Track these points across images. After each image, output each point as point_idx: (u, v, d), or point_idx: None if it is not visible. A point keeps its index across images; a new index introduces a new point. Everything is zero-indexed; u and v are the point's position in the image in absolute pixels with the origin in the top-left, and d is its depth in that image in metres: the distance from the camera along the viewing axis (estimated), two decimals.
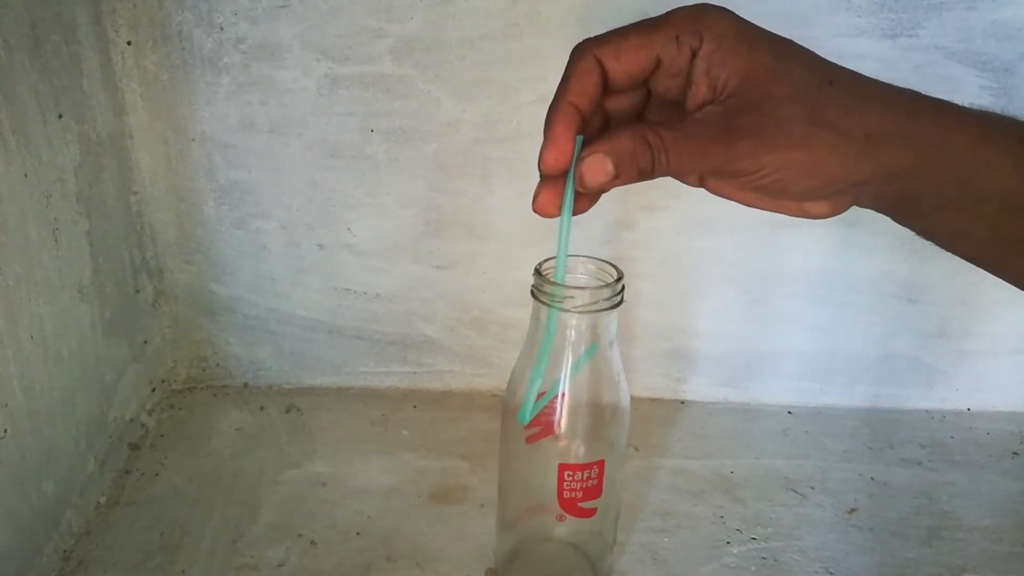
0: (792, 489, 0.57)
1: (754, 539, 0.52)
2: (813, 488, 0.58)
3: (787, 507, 0.56)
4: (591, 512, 0.43)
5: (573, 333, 0.40)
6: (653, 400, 0.67)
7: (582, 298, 0.39)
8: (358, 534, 0.51)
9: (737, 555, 0.51)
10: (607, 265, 0.41)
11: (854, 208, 0.58)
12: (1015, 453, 0.63)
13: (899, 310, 0.63)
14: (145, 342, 0.60)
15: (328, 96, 0.54)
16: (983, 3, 0.52)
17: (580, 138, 0.34)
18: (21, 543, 0.43)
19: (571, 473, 0.42)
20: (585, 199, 0.38)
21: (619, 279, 0.40)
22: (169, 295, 0.61)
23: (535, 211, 0.36)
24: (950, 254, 0.61)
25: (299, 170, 0.57)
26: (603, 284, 0.40)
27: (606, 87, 0.34)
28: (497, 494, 0.47)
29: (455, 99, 0.55)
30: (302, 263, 0.60)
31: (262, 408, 0.63)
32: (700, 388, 0.67)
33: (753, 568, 0.50)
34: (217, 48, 0.53)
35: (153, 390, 0.62)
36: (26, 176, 0.43)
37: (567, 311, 0.39)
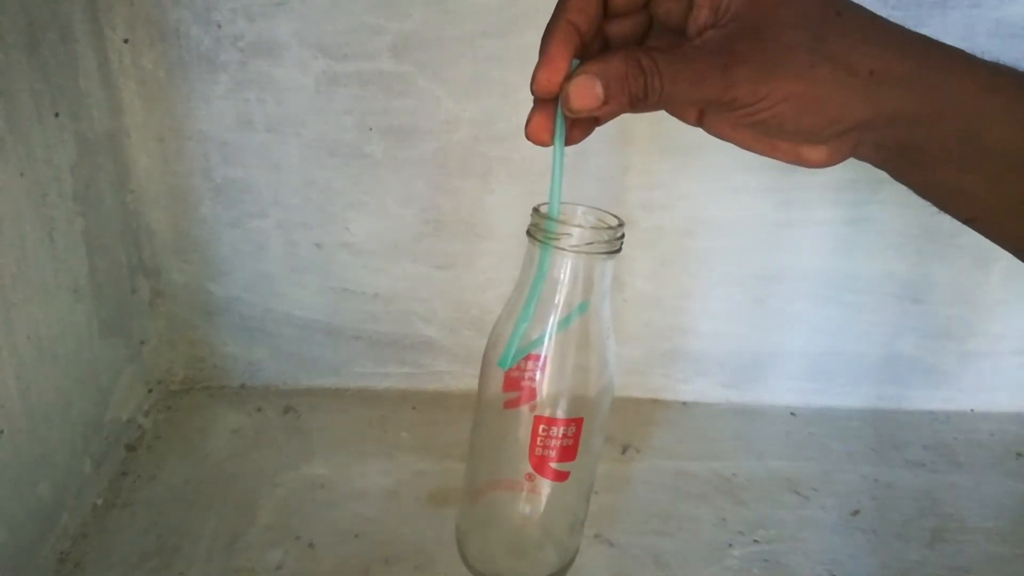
0: (795, 491, 0.57)
1: (756, 541, 0.52)
2: (816, 490, 0.57)
3: (790, 509, 0.55)
4: (562, 476, 0.41)
5: (566, 279, 0.38)
6: (655, 401, 0.66)
7: (578, 237, 0.37)
8: (356, 536, 0.50)
9: (739, 558, 0.51)
10: (608, 215, 0.39)
11: (857, 207, 0.59)
12: (1019, 454, 0.63)
13: (903, 310, 0.63)
14: (142, 342, 0.60)
15: (326, 94, 0.54)
16: (987, 1, 0.52)
17: (576, 62, 0.32)
18: (17, 545, 0.43)
19: (546, 428, 0.40)
20: (579, 128, 0.36)
21: (620, 224, 0.38)
22: (166, 295, 0.61)
23: (527, 137, 0.35)
24: (953, 254, 0.61)
25: (297, 169, 0.56)
26: (602, 226, 0.38)
27: (607, 9, 0.33)
28: (467, 460, 0.45)
29: (455, 97, 0.55)
30: (300, 263, 0.60)
31: (259, 409, 0.63)
32: (702, 389, 0.67)
33: (755, 571, 0.50)
34: (214, 46, 0.52)
35: (150, 391, 0.61)
36: (22, 175, 0.43)
37: (561, 250, 0.37)
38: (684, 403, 0.67)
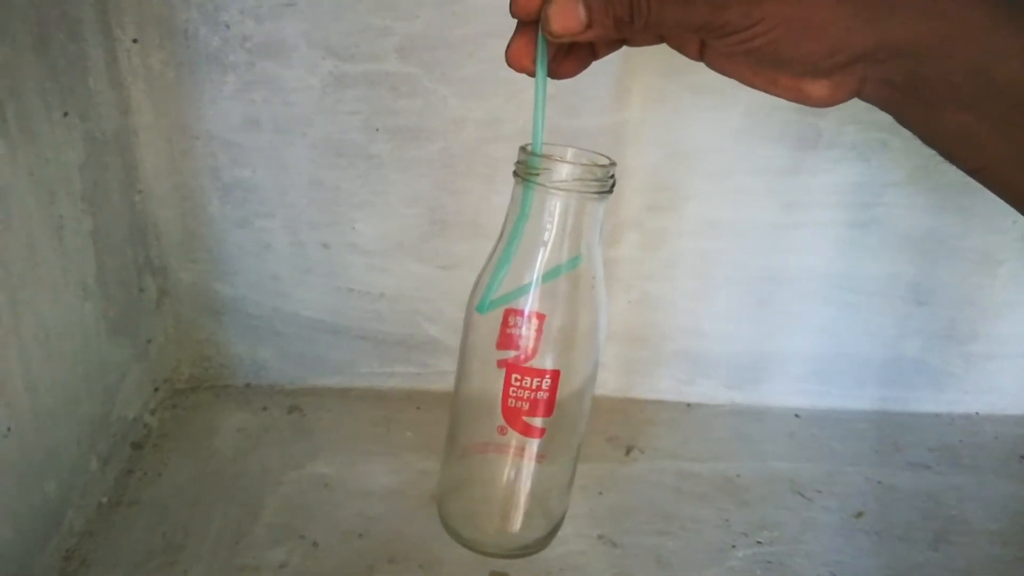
0: (798, 493, 0.57)
1: (759, 543, 0.52)
2: (820, 492, 0.57)
3: (793, 511, 0.55)
4: (536, 431, 0.39)
5: (554, 222, 0.36)
6: (659, 402, 0.66)
7: (565, 174, 0.35)
8: (360, 536, 0.50)
9: (742, 559, 0.51)
10: (601, 156, 0.37)
11: (862, 209, 0.59)
12: (1023, 457, 0.63)
13: (907, 312, 0.63)
14: (149, 341, 0.60)
15: (333, 95, 0.54)
16: None
17: None
18: (23, 543, 0.43)
19: (519, 378, 0.38)
20: (572, 60, 0.35)
21: (611, 164, 0.36)
22: (173, 294, 0.61)
23: (508, 63, 0.33)
24: (960, 256, 0.61)
25: (304, 169, 0.57)
26: (589, 163, 0.36)
27: None
28: (448, 418, 0.43)
29: (461, 97, 0.55)
30: (306, 262, 0.60)
31: (265, 408, 0.63)
32: (706, 390, 0.67)
33: (758, 572, 0.50)
34: (223, 46, 0.52)
35: (156, 390, 0.62)
36: (31, 174, 0.43)
37: (545, 187, 0.35)
38: (688, 404, 0.67)
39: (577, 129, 0.55)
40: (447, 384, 0.65)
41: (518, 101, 0.55)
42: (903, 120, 0.33)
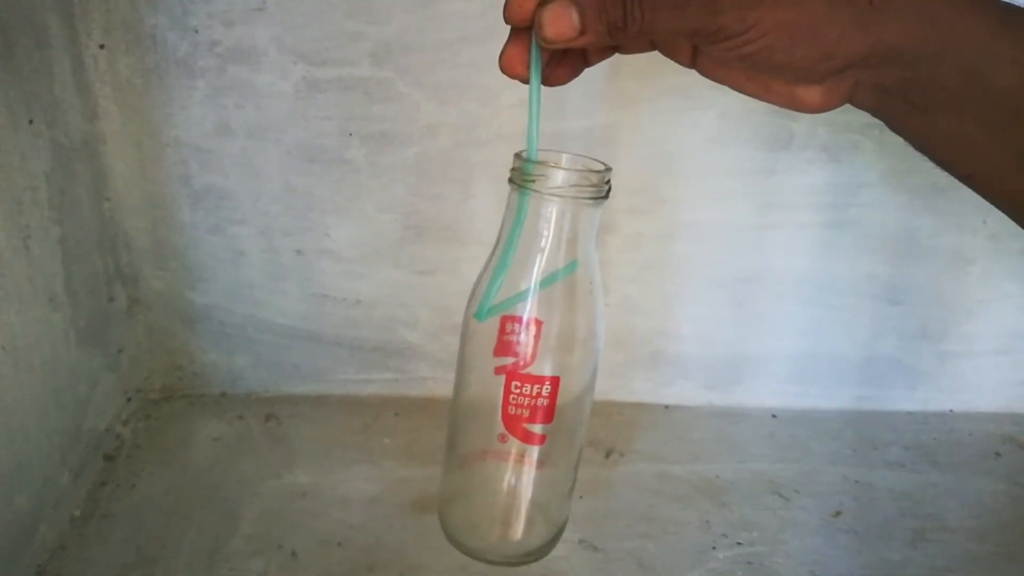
0: (777, 493, 0.57)
1: (740, 544, 0.52)
2: (798, 491, 0.57)
3: (772, 511, 0.55)
4: (537, 438, 0.39)
5: (551, 229, 0.36)
6: (638, 405, 0.66)
7: (560, 180, 0.35)
8: (340, 545, 0.50)
9: (723, 560, 0.51)
10: (595, 161, 0.37)
11: (837, 210, 0.59)
12: (997, 454, 0.63)
13: (882, 312, 0.64)
14: (120, 351, 0.59)
15: (306, 100, 0.54)
16: None
17: None
18: None
19: (519, 385, 0.38)
20: (564, 67, 0.35)
21: (606, 169, 0.36)
22: (144, 303, 0.60)
23: (501, 70, 0.33)
24: (931, 256, 0.61)
25: (277, 175, 0.56)
26: (584, 169, 0.36)
27: None
28: (447, 426, 0.43)
29: (435, 102, 0.54)
30: (280, 269, 0.60)
31: (240, 417, 0.62)
32: (684, 392, 0.67)
33: (739, 573, 0.50)
34: (192, 51, 0.52)
35: (128, 400, 0.61)
36: None
37: (539, 193, 0.35)
38: (667, 406, 0.67)
39: (554, 133, 0.55)
40: (425, 390, 0.65)
41: (493, 106, 0.55)
42: (894, 126, 0.33)
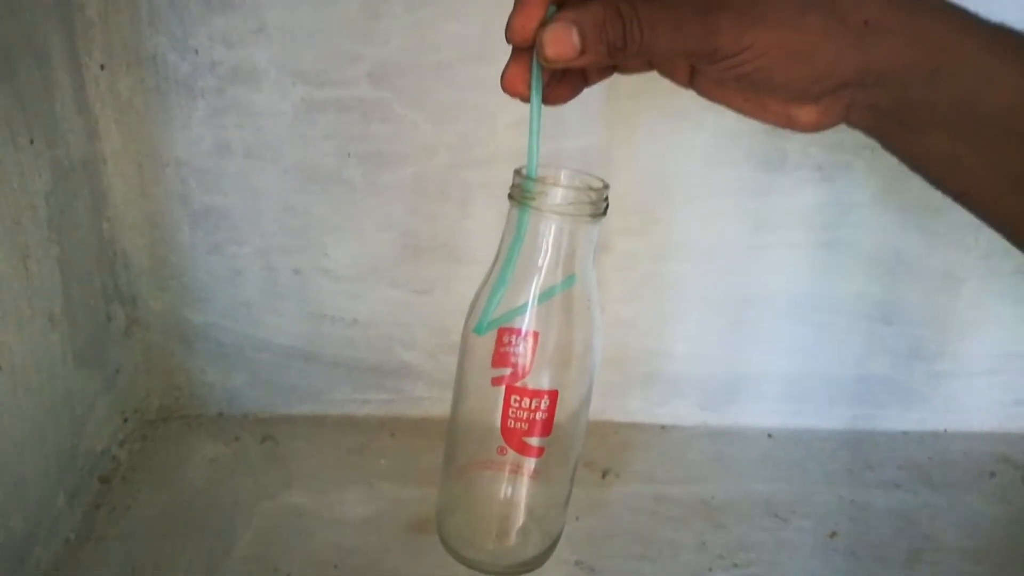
0: (773, 513, 0.57)
1: (736, 565, 0.52)
2: (794, 512, 0.57)
3: (768, 532, 0.55)
4: (534, 451, 0.40)
5: (549, 245, 0.37)
6: (633, 425, 0.67)
7: (559, 197, 0.36)
8: (335, 567, 0.50)
9: None
10: (594, 178, 0.38)
11: (829, 229, 0.59)
12: (992, 474, 0.63)
13: (875, 331, 0.64)
14: (117, 371, 0.59)
15: (305, 120, 0.54)
16: None
17: (553, 8, 0.31)
18: None
19: (518, 399, 0.38)
20: (564, 86, 0.35)
21: (604, 187, 0.37)
22: (142, 323, 0.60)
23: (503, 89, 0.34)
24: (924, 276, 0.62)
25: (275, 195, 0.56)
26: (583, 187, 0.37)
27: None
28: (446, 438, 0.44)
29: (432, 123, 0.55)
30: (278, 289, 0.60)
31: (237, 438, 0.62)
32: (679, 412, 0.67)
33: None
34: (192, 72, 0.52)
35: (125, 421, 0.61)
36: None
37: (540, 210, 0.36)
38: (662, 426, 0.67)
39: (549, 153, 0.55)
40: (422, 410, 0.65)
41: (490, 127, 0.55)
42: (889, 145, 0.33)
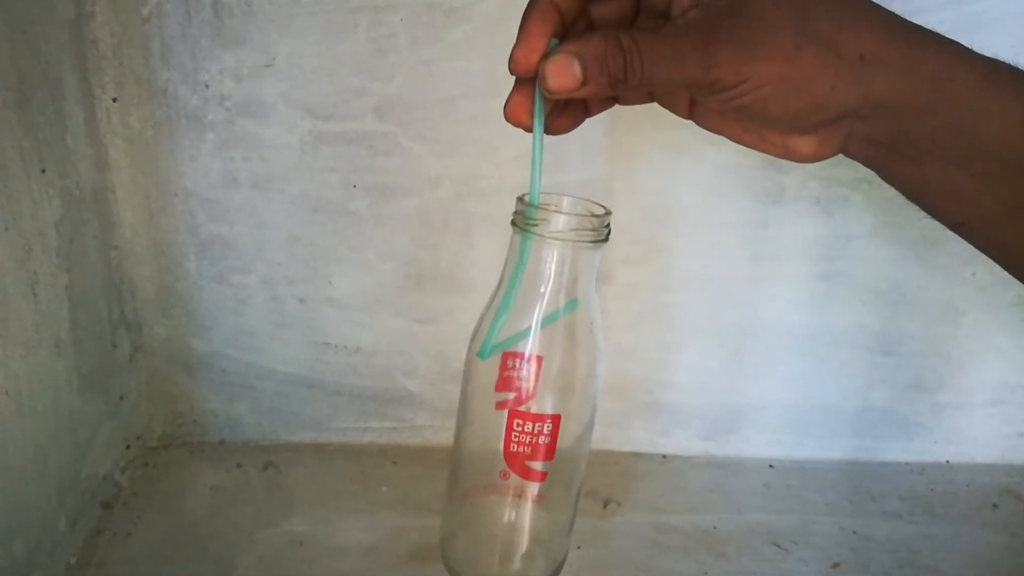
0: (775, 544, 0.57)
1: None
2: (796, 543, 0.57)
3: (771, 562, 0.55)
4: (539, 476, 0.40)
5: (551, 271, 0.37)
6: (635, 455, 0.67)
7: (562, 224, 0.36)
8: None
9: None
10: (596, 204, 0.39)
11: (828, 261, 0.60)
12: (995, 505, 0.63)
13: (875, 363, 0.64)
14: (121, 398, 0.59)
15: (312, 152, 0.55)
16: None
17: (556, 41, 0.32)
18: None
19: (520, 423, 0.39)
20: (566, 117, 0.36)
21: (606, 213, 0.37)
22: (147, 350, 0.61)
23: (506, 119, 0.34)
24: (923, 307, 0.62)
25: (281, 225, 0.57)
26: (585, 213, 0.37)
27: None
28: (449, 462, 0.44)
29: (437, 155, 0.56)
30: (282, 318, 0.60)
31: (239, 465, 0.62)
32: (681, 442, 0.67)
33: None
34: (202, 105, 0.53)
35: (128, 447, 0.61)
36: (7, 229, 0.43)
37: (542, 236, 0.36)
38: (664, 456, 0.67)
39: (552, 185, 0.56)
40: (423, 439, 0.66)
41: (493, 159, 0.56)
42: (886, 176, 0.34)
